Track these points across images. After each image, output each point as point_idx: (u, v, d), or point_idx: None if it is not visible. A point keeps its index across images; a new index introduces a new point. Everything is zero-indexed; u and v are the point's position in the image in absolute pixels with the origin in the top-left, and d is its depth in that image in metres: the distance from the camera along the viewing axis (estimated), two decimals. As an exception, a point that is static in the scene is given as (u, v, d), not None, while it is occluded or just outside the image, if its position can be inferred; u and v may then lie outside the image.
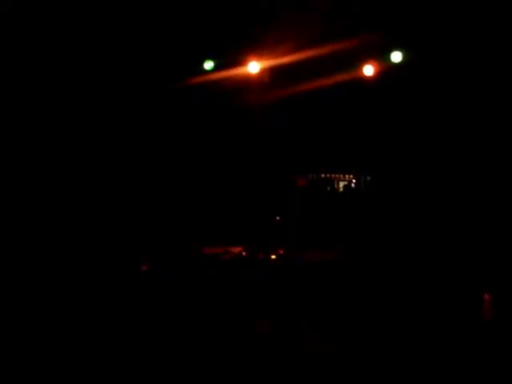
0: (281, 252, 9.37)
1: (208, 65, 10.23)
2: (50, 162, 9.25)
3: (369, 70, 10.02)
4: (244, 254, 9.29)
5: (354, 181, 11.27)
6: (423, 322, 6.49)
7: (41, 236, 8.36)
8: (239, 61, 10.18)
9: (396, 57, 9.71)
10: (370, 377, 5.30)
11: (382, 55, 9.89)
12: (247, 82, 10.34)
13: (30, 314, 6.18)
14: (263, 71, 10.23)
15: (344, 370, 5.35)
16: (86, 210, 9.25)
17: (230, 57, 10.19)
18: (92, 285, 7.36)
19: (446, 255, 8.47)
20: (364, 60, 10.01)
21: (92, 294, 7.06)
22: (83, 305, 6.63)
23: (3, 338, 5.58)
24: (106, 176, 9.61)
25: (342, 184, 11.31)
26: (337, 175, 11.31)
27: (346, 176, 11.31)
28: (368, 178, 11.13)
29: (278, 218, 10.10)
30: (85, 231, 8.91)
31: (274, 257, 9.22)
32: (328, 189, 11.26)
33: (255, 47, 10.03)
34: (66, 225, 8.85)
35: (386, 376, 5.30)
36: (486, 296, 6.91)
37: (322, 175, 11.31)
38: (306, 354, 5.68)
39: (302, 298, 7.67)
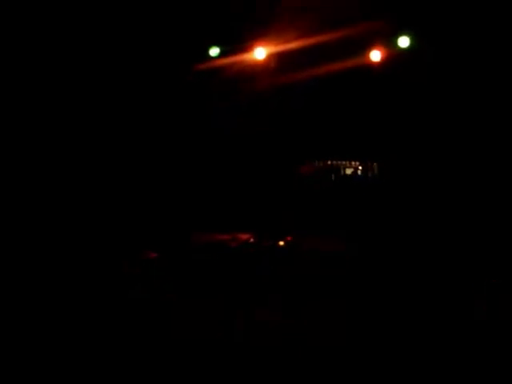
0: (289, 239, 9.33)
1: (214, 51, 10.16)
2: (48, 151, 9.15)
3: (376, 55, 9.95)
4: (252, 240, 9.25)
5: (360, 168, 11.22)
6: (427, 313, 6.50)
7: (38, 233, 8.25)
8: (245, 47, 10.11)
9: (403, 42, 9.64)
10: (369, 363, 5.30)
11: (389, 40, 9.82)
12: (253, 68, 10.28)
13: (30, 310, 6.13)
14: (269, 57, 10.16)
15: (346, 360, 5.36)
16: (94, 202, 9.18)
17: (236, 43, 10.11)
18: (96, 278, 7.33)
19: (454, 246, 8.43)
20: (371, 45, 9.93)
21: (96, 287, 7.02)
22: (84, 300, 6.58)
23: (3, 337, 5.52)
24: (112, 165, 9.56)
25: (348, 171, 11.26)
26: (343, 162, 11.26)
27: (353, 163, 11.26)
28: (374, 164, 11.09)
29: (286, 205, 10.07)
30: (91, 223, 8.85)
31: (282, 243, 9.19)
32: (334, 176, 11.22)
33: (261, 33, 9.95)
34: (64, 216, 8.76)
35: (387, 366, 5.30)
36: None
37: (329, 162, 11.26)
38: (308, 344, 5.68)
39: (307, 285, 7.67)
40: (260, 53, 10.09)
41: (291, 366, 5.45)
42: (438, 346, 5.84)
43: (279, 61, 10.22)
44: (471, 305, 6.72)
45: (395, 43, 9.73)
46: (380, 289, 7.45)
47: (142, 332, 6.06)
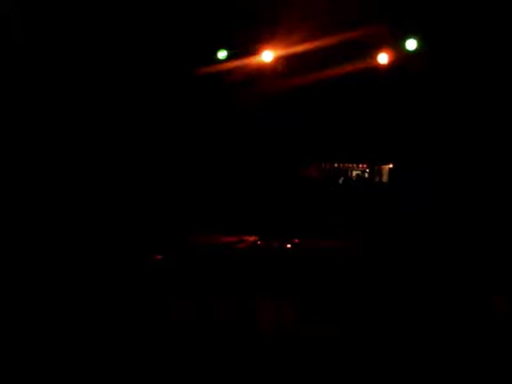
0: (296, 241, 9.35)
1: (221, 54, 10.20)
2: (58, 147, 9.18)
3: (383, 58, 9.95)
4: (259, 242, 9.28)
5: (367, 170, 11.24)
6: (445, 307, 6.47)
7: (47, 230, 8.28)
8: (253, 50, 10.14)
9: (411, 44, 9.63)
10: (369, 361, 5.29)
11: (396, 43, 9.81)
12: (261, 71, 10.31)
13: (31, 309, 6.15)
14: (277, 60, 10.19)
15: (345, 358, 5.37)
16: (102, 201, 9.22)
17: (244, 46, 10.15)
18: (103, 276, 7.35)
19: (474, 240, 8.36)
20: (378, 48, 9.94)
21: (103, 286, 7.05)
22: (84, 300, 6.59)
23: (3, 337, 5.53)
24: (123, 165, 9.60)
25: (355, 173, 11.29)
26: (350, 164, 11.29)
27: (360, 165, 11.28)
28: (381, 167, 11.10)
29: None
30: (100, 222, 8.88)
31: (289, 246, 9.21)
32: (341, 178, 11.25)
33: (269, 36, 9.98)
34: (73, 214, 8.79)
35: (386, 363, 5.28)
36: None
37: (336, 165, 11.29)
38: (308, 344, 5.68)
39: (312, 286, 7.67)
40: (267, 56, 10.13)
41: (291, 365, 5.45)
42: (455, 339, 5.80)
43: (286, 64, 10.25)
44: (490, 298, 6.66)
45: (403, 46, 9.71)
46: (394, 286, 7.42)
47: (143, 332, 6.08)
